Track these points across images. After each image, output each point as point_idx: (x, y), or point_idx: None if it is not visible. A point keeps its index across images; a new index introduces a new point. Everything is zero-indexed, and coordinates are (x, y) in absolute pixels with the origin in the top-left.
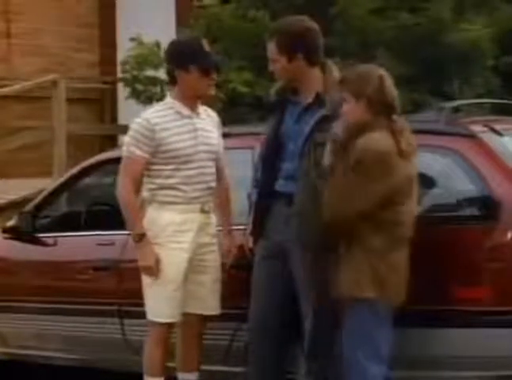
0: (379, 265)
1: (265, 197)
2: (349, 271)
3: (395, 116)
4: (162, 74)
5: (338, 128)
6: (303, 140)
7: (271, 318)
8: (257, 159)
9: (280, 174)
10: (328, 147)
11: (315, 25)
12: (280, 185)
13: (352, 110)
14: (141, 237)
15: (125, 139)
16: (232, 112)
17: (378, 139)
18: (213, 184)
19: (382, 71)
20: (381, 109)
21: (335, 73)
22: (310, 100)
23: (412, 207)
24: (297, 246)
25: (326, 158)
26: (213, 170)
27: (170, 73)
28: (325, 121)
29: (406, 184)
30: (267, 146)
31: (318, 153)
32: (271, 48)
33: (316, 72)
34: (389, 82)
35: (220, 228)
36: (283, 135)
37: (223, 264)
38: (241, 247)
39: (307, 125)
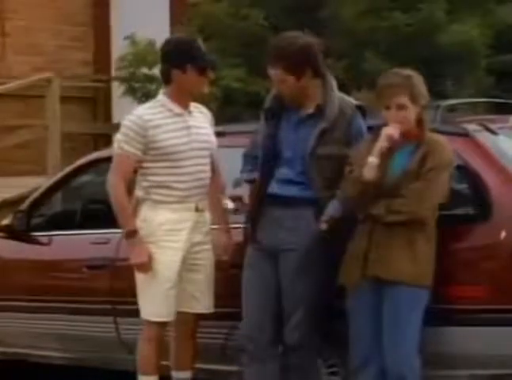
0: (433, 253)
1: (259, 200)
2: (414, 260)
3: None
4: (157, 72)
5: (391, 133)
6: (308, 151)
7: (267, 327)
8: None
9: (275, 178)
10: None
11: (313, 39)
12: (276, 188)
13: (410, 115)
14: (132, 234)
15: (117, 136)
16: (227, 110)
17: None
18: (207, 182)
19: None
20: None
21: (334, 83)
22: (311, 110)
23: None
24: (290, 248)
25: (368, 170)
26: (207, 168)
27: (165, 71)
28: (326, 133)
29: None
30: (264, 153)
31: (322, 166)
32: (276, 73)
33: (318, 83)
34: None
35: (215, 226)
36: (280, 142)
37: (218, 262)
38: (238, 245)
39: (308, 135)
